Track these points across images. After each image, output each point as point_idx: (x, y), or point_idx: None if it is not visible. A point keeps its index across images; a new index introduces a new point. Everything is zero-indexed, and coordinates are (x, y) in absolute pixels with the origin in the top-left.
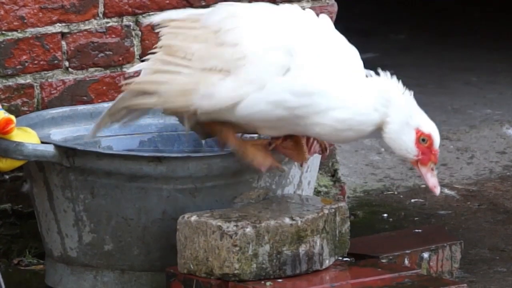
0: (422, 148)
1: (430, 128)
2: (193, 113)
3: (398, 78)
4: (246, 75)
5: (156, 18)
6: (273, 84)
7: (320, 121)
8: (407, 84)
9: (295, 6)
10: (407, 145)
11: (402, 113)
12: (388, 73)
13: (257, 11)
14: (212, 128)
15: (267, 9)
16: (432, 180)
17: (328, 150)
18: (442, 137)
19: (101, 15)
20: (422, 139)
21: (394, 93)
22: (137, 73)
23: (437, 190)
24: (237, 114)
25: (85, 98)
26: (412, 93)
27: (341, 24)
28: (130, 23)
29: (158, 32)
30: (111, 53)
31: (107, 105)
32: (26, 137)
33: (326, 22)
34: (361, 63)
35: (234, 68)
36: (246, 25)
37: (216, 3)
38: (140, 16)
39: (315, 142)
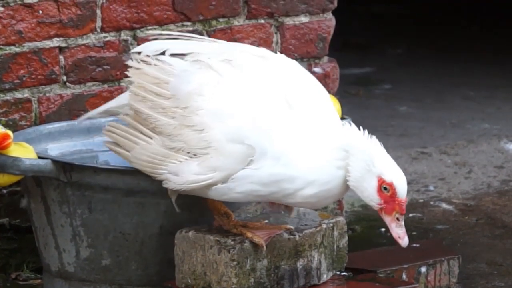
0: (384, 197)
1: (393, 176)
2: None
3: (396, 93)
4: (210, 163)
5: (130, 65)
6: (239, 176)
7: (293, 201)
8: (405, 99)
9: (270, 56)
10: (369, 192)
11: (362, 160)
12: (348, 123)
13: (226, 86)
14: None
15: (236, 83)
16: (396, 230)
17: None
18: (441, 152)
19: (99, 30)
20: (384, 188)
21: (354, 140)
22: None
23: (403, 241)
24: (210, 196)
25: (82, 112)
26: (376, 140)
27: (339, 39)
28: (128, 37)
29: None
30: (109, 67)
31: (104, 120)
32: (23, 152)
33: (295, 71)
34: (328, 112)
35: (200, 154)
36: (212, 109)
37: (213, 18)
38: (138, 31)
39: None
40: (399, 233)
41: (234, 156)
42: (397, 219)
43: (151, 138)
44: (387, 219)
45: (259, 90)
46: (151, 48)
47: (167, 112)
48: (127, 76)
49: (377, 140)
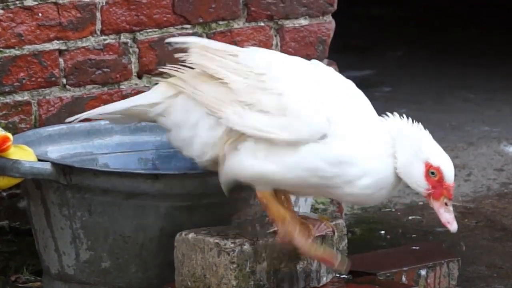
0: (432, 182)
1: (440, 161)
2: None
3: (396, 95)
4: (282, 122)
5: (186, 39)
6: (308, 150)
7: (350, 191)
8: (405, 101)
9: (317, 63)
10: (417, 178)
11: (408, 146)
12: (395, 115)
13: (294, 66)
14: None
15: (302, 66)
16: (445, 215)
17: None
18: None
19: (98, 32)
20: (431, 172)
21: (400, 127)
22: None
23: (452, 227)
24: (271, 177)
25: None
26: (421, 126)
27: (339, 41)
28: (128, 40)
29: (155, 50)
30: (108, 70)
31: (104, 122)
32: (23, 154)
33: (336, 75)
34: (371, 108)
35: (273, 113)
36: (290, 78)
37: (213, 20)
38: (138, 33)
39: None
40: (448, 218)
41: (309, 125)
42: (446, 204)
43: (220, 83)
44: (436, 204)
45: (326, 79)
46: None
47: (239, 72)
48: (126, 79)
49: (422, 126)
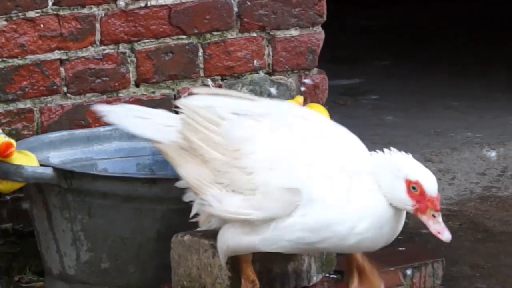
0: (415, 197)
1: (418, 175)
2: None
3: (382, 103)
4: (254, 203)
5: (181, 101)
6: (286, 224)
7: (349, 244)
8: (391, 109)
9: (308, 114)
10: (401, 197)
11: (388, 172)
12: (378, 151)
13: (275, 137)
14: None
15: (283, 136)
16: (434, 227)
17: None
18: (425, 159)
19: (98, 43)
20: (413, 187)
21: (377, 159)
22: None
23: (443, 236)
24: (258, 248)
25: (82, 122)
26: (396, 150)
27: (328, 51)
28: (126, 50)
29: (152, 60)
30: (107, 79)
31: (103, 129)
32: (25, 160)
33: (326, 125)
34: (360, 153)
35: (246, 193)
36: (263, 156)
37: (208, 31)
38: (136, 44)
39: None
40: (438, 229)
41: (280, 201)
42: (433, 216)
43: (202, 163)
44: (424, 218)
45: (304, 143)
46: (198, 103)
47: (218, 148)
48: (125, 87)
49: (403, 151)
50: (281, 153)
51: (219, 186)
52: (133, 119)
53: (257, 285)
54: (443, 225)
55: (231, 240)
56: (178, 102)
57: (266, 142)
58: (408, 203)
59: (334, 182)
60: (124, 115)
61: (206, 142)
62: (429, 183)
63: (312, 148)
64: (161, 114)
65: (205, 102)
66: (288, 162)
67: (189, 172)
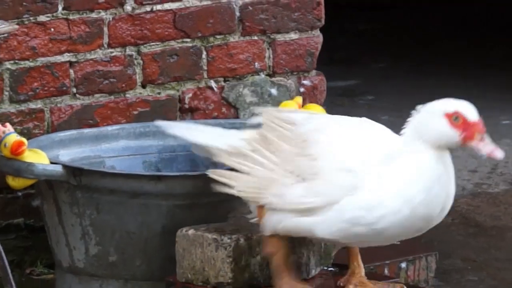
0: (459, 126)
1: (454, 105)
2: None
3: (378, 104)
4: (316, 188)
5: (260, 109)
6: (344, 202)
7: (405, 215)
8: (386, 109)
9: (368, 122)
10: (446, 132)
11: (425, 119)
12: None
13: (340, 128)
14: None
15: (348, 127)
16: (485, 148)
17: None
18: None
19: (105, 45)
20: (455, 118)
21: (413, 117)
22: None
23: (497, 154)
24: (317, 236)
25: (91, 121)
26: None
27: (326, 54)
28: (133, 52)
29: (158, 62)
30: (115, 80)
31: (111, 128)
32: (36, 158)
33: (378, 130)
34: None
35: (308, 179)
36: (326, 142)
37: (211, 35)
38: (142, 46)
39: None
40: (490, 149)
41: (339, 184)
42: (482, 139)
43: (270, 161)
44: (473, 144)
45: (360, 131)
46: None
47: (290, 142)
48: (131, 88)
49: None
50: (341, 140)
51: (277, 180)
52: (194, 131)
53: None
54: (493, 144)
55: (285, 222)
56: (258, 110)
57: (331, 132)
58: (454, 135)
59: (383, 164)
60: (186, 128)
61: (280, 138)
62: (469, 109)
63: (365, 136)
64: (216, 128)
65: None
66: (346, 147)
67: (245, 184)
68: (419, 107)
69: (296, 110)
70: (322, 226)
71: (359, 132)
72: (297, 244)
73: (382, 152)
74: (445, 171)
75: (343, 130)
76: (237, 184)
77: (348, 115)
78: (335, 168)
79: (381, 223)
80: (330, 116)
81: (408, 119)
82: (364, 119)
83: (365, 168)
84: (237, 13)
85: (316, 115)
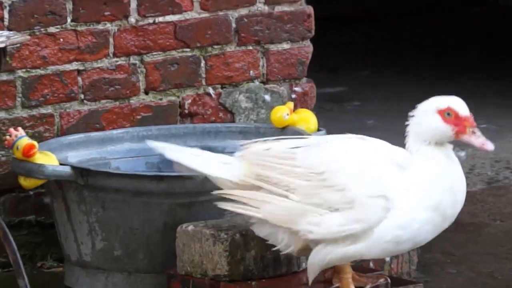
0: (451, 121)
1: (445, 102)
2: (295, 235)
3: (363, 109)
4: (354, 215)
5: (251, 146)
6: (383, 225)
7: (440, 214)
8: (371, 114)
9: (365, 138)
10: (440, 128)
11: (420, 119)
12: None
13: (348, 154)
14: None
15: (353, 150)
16: (477, 141)
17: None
18: None
19: (111, 55)
20: (447, 114)
21: (409, 121)
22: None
23: (487, 146)
24: (366, 258)
25: (97, 125)
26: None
27: (315, 63)
28: (136, 61)
29: (159, 70)
30: (120, 87)
31: (116, 132)
32: (46, 159)
33: (381, 145)
34: (404, 151)
35: (342, 208)
36: (348, 171)
37: (209, 45)
38: (145, 56)
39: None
40: (482, 142)
41: (374, 208)
42: (473, 132)
43: (285, 196)
44: (465, 137)
45: (376, 155)
46: (256, 147)
47: (301, 177)
48: (135, 95)
49: None
50: (362, 166)
51: (311, 209)
52: (189, 156)
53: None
54: (484, 137)
55: (333, 253)
56: (240, 152)
57: (345, 159)
58: (448, 130)
59: (402, 178)
60: (180, 152)
61: (288, 174)
62: (460, 104)
63: (375, 156)
64: (210, 154)
65: (263, 146)
66: (372, 172)
67: (271, 211)
68: (418, 106)
69: (270, 144)
70: (369, 250)
71: (367, 153)
72: None
73: (396, 165)
74: (454, 164)
75: (352, 155)
76: (262, 208)
77: (337, 120)
78: (367, 195)
79: (420, 235)
80: (317, 140)
81: (407, 123)
82: (352, 136)
83: (392, 188)
84: (233, 25)
85: (304, 141)
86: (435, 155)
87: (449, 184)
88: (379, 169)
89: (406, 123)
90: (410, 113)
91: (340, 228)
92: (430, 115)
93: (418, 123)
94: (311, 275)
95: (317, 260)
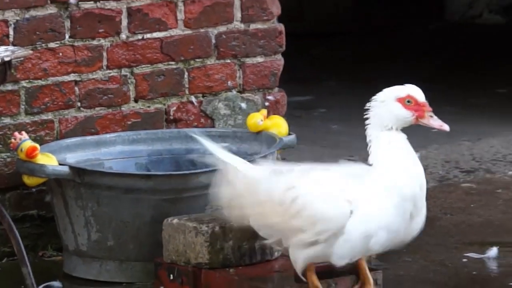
0: (411, 108)
1: (404, 90)
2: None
3: (329, 115)
4: (319, 229)
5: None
6: (351, 224)
7: (412, 194)
8: (336, 120)
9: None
10: (401, 114)
11: (380, 109)
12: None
13: (312, 178)
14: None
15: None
16: (436, 123)
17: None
18: (363, 159)
19: (105, 67)
20: (407, 101)
21: (368, 115)
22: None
23: (445, 127)
24: (331, 258)
25: (92, 130)
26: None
27: (286, 74)
28: (127, 73)
29: (148, 81)
30: (112, 96)
31: (109, 136)
32: (47, 160)
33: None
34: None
35: (309, 228)
36: (306, 192)
37: (192, 58)
38: (135, 68)
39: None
40: (439, 123)
41: (338, 219)
42: (431, 116)
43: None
44: (425, 121)
45: (331, 174)
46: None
47: (276, 209)
48: (126, 103)
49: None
50: (326, 179)
51: (290, 235)
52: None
53: None
54: (440, 120)
55: (305, 256)
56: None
57: (306, 180)
58: (408, 115)
59: (365, 184)
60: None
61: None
62: (418, 92)
63: (335, 175)
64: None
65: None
66: (336, 181)
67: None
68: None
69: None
70: (339, 250)
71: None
72: None
73: (353, 176)
74: (411, 149)
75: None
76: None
77: (305, 125)
78: (331, 206)
79: (393, 224)
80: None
81: (366, 115)
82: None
83: (353, 192)
84: (213, 41)
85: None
86: (394, 138)
87: (406, 165)
88: (338, 183)
89: (365, 115)
90: (368, 105)
91: (312, 239)
92: (390, 103)
93: (379, 113)
94: (299, 270)
95: (296, 260)
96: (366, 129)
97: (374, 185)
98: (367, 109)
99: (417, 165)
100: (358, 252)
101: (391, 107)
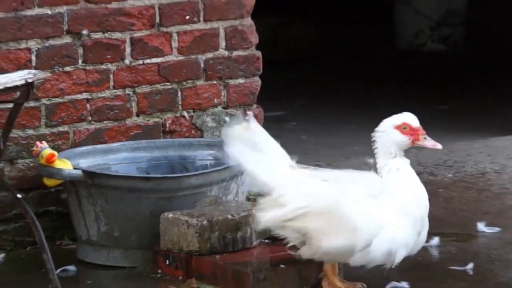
0: (407, 133)
1: (401, 118)
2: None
3: (299, 128)
4: (363, 244)
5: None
6: (375, 246)
7: (422, 214)
8: (305, 131)
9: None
10: (400, 140)
11: (381, 141)
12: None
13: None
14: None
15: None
16: (429, 143)
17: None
18: (328, 165)
19: (111, 87)
20: (403, 128)
21: (374, 149)
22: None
23: (438, 146)
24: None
25: (101, 140)
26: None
27: (263, 93)
28: (130, 92)
29: (147, 99)
30: (118, 111)
31: (115, 145)
32: (64, 165)
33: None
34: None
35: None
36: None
37: (184, 80)
38: (136, 88)
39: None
40: (432, 143)
41: (370, 233)
42: (425, 138)
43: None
44: (420, 143)
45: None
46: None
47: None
48: (129, 117)
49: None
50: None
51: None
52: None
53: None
54: (432, 140)
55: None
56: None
57: (347, 205)
58: (405, 140)
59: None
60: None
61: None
62: (412, 119)
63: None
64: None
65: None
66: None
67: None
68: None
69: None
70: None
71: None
72: (243, 225)
73: (375, 191)
74: (415, 174)
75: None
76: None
77: (278, 136)
78: (366, 222)
79: (405, 238)
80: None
81: (373, 147)
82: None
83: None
84: (202, 65)
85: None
86: (401, 165)
87: (419, 191)
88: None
89: (372, 146)
90: (373, 137)
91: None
92: (390, 132)
93: (383, 142)
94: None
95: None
96: (375, 157)
97: (391, 207)
98: (373, 141)
99: (423, 189)
100: (376, 263)
101: (391, 135)
